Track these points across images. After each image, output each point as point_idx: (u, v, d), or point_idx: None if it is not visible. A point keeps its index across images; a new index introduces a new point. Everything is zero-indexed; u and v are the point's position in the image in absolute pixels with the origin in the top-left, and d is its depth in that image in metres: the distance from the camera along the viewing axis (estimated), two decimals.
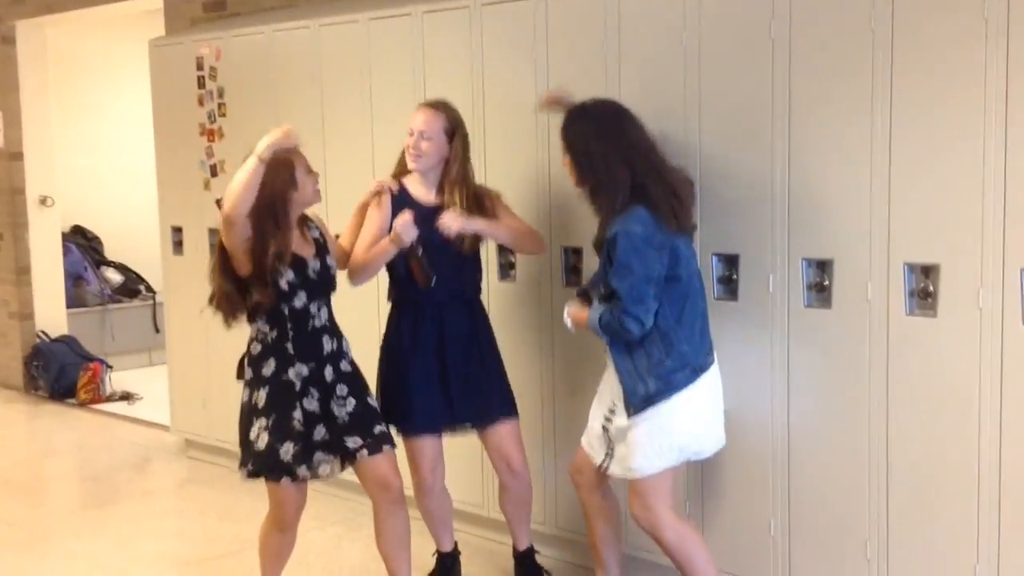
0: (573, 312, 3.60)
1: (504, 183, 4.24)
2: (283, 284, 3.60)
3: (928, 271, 3.33)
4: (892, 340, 3.42)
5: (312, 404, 3.66)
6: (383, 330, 4.05)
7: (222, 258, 3.61)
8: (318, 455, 3.65)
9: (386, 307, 4.08)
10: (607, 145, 3.40)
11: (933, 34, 3.25)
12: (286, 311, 3.64)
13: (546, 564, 4.24)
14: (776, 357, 3.68)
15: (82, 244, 8.80)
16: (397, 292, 3.99)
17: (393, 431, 3.88)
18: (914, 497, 3.44)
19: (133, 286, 8.90)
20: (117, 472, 6.12)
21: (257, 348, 3.68)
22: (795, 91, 3.55)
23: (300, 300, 3.65)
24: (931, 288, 3.33)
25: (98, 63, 9.02)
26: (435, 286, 3.84)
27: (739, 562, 3.82)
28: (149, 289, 8.82)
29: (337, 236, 3.99)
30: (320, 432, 3.67)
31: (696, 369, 3.43)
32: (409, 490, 3.87)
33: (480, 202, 3.92)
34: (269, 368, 3.66)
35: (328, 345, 3.73)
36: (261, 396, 3.65)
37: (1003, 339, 3.21)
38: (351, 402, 3.72)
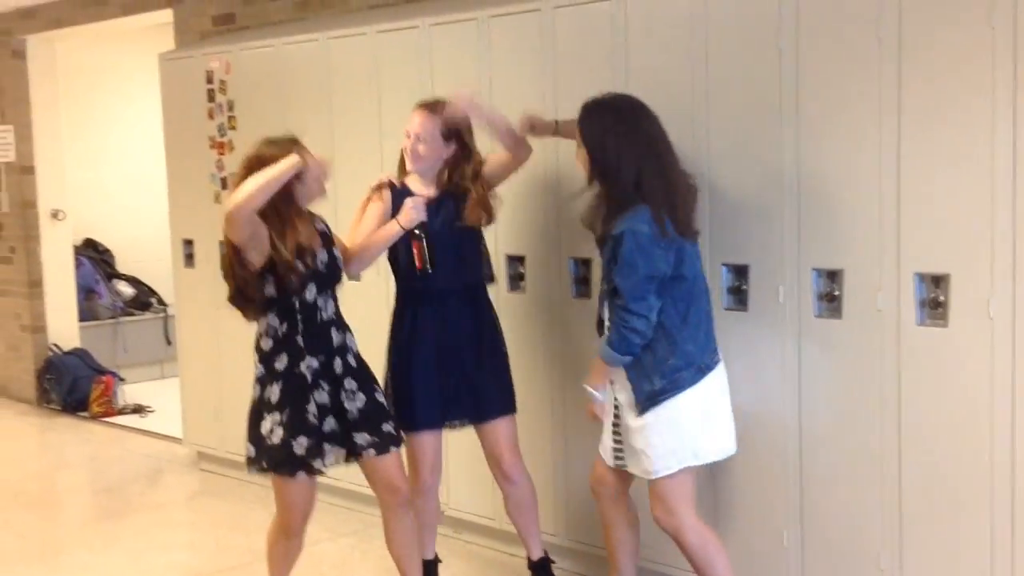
0: (590, 379, 3.56)
1: (513, 194, 4.24)
2: (295, 277, 3.62)
3: (939, 281, 3.32)
4: (903, 350, 3.42)
5: (323, 397, 3.69)
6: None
7: (232, 255, 3.62)
8: (325, 446, 3.68)
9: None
10: (622, 140, 3.41)
11: (940, 43, 3.25)
12: (297, 304, 3.67)
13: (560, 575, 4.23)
14: (787, 367, 3.68)
15: (94, 257, 8.83)
16: (400, 285, 4.02)
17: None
18: (927, 507, 3.43)
19: (145, 299, 8.92)
20: (129, 484, 6.14)
21: (268, 344, 3.69)
22: (803, 101, 3.55)
23: (311, 292, 3.68)
24: (942, 298, 3.32)
25: (108, 77, 9.06)
26: (437, 277, 3.89)
27: (753, 572, 3.80)
28: (161, 302, 8.84)
29: None
30: (330, 423, 3.69)
31: (701, 368, 3.43)
32: None
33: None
34: (282, 363, 3.67)
35: (336, 338, 3.75)
36: (274, 391, 3.66)
37: (1015, 348, 3.20)
38: (360, 397, 3.75)
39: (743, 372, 3.72)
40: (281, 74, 5.34)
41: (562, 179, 4.10)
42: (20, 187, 7.90)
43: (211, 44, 5.98)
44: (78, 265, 8.37)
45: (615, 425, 3.57)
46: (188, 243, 6.04)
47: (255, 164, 3.58)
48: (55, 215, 7.96)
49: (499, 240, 4.41)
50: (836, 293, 3.54)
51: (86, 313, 8.41)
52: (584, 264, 4.16)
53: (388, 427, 3.77)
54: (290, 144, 3.64)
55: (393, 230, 3.85)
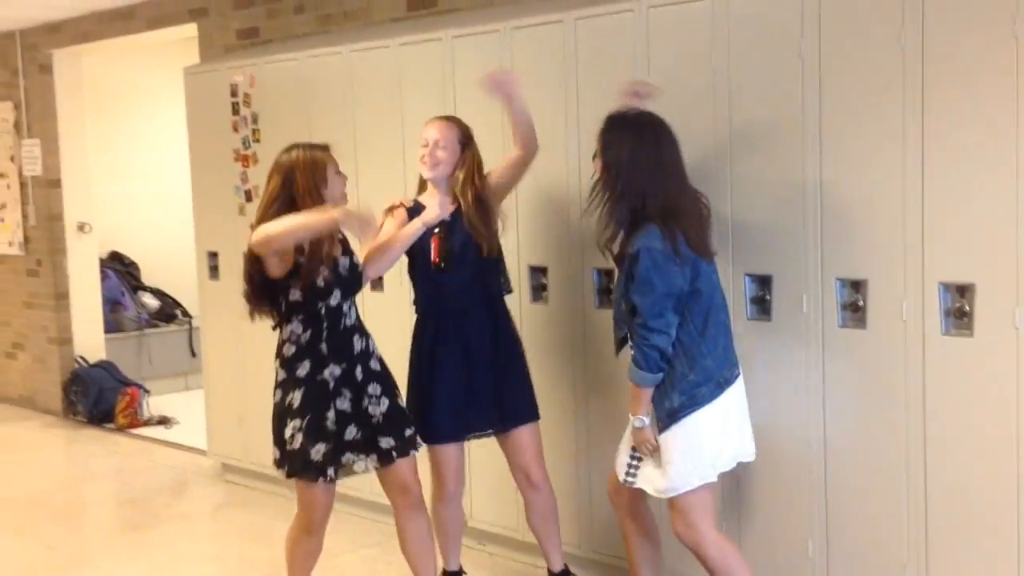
0: (631, 408, 3.53)
1: (534, 204, 4.25)
2: (320, 282, 3.66)
3: (963, 290, 3.31)
4: (928, 360, 3.40)
5: (344, 404, 3.73)
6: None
7: (253, 262, 3.69)
8: (348, 455, 3.72)
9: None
10: (637, 158, 3.42)
11: (963, 52, 3.24)
12: (322, 310, 3.70)
13: None
14: (811, 377, 3.66)
15: (119, 270, 8.89)
16: (421, 298, 4.04)
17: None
18: (954, 518, 3.41)
19: (169, 311, 8.97)
20: (155, 496, 6.17)
21: (291, 350, 3.73)
22: (825, 110, 3.54)
23: (335, 298, 3.72)
24: (967, 308, 3.31)
25: (134, 90, 9.13)
26: (457, 291, 3.92)
27: None
28: (185, 314, 8.89)
29: None
30: (351, 432, 3.73)
31: (720, 383, 3.43)
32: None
33: (485, 203, 3.96)
34: (304, 369, 3.71)
35: (358, 344, 3.79)
36: (296, 397, 3.70)
37: None
38: (384, 402, 3.79)
39: (767, 382, 3.71)
40: (305, 87, 5.37)
41: (584, 189, 4.09)
42: (47, 200, 7.97)
43: (235, 58, 6.02)
44: (104, 277, 8.42)
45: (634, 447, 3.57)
46: (213, 255, 6.07)
47: (295, 169, 3.68)
48: (81, 228, 8.02)
49: (521, 250, 4.42)
50: (860, 303, 3.53)
51: (112, 325, 8.47)
52: (607, 275, 4.16)
53: (410, 431, 3.83)
54: (322, 151, 3.74)
55: (414, 228, 3.88)
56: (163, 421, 7.60)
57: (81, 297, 8.06)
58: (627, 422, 3.61)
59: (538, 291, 4.44)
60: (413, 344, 4.05)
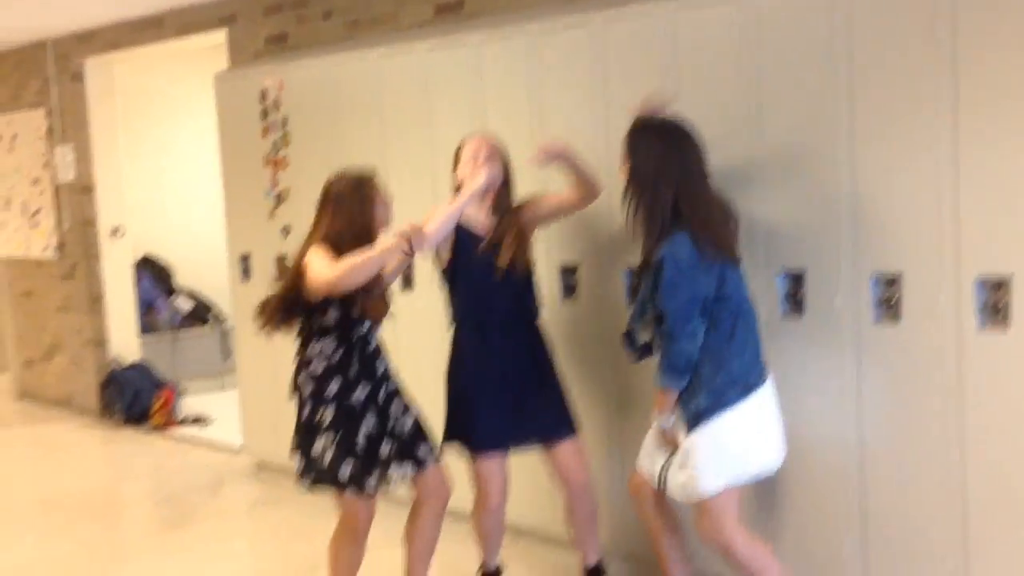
0: (655, 409, 3.59)
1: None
2: (355, 312, 3.75)
3: (1000, 285, 3.31)
4: (964, 355, 3.40)
5: (370, 424, 3.81)
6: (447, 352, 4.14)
7: (295, 279, 3.76)
8: (389, 470, 3.82)
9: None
10: (663, 166, 3.46)
11: (998, 40, 3.24)
12: (355, 336, 3.78)
13: None
14: (846, 374, 3.68)
15: (152, 273, 8.99)
16: (461, 307, 4.07)
17: (452, 449, 4.05)
18: (993, 513, 3.41)
19: (203, 313, 9.07)
20: (191, 494, 6.27)
21: (320, 368, 3.81)
22: (858, 104, 3.55)
23: (366, 324, 3.81)
24: (1003, 302, 3.30)
25: (164, 97, 9.23)
26: (501, 304, 3.97)
27: None
28: (218, 316, 9.00)
29: None
30: (385, 448, 3.82)
31: (748, 386, 3.46)
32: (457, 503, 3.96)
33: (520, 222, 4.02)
34: (333, 388, 3.80)
35: (380, 367, 3.89)
36: (327, 414, 3.79)
37: None
38: (408, 418, 3.91)
39: (800, 379, 3.73)
40: (333, 92, 5.44)
41: (614, 192, 4.12)
42: (80, 206, 8.08)
43: (264, 63, 6.11)
44: (138, 280, 8.53)
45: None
46: (244, 258, 6.16)
47: (350, 195, 3.78)
48: (115, 232, 8.11)
49: (552, 250, 4.47)
50: (894, 299, 3.53)
51: (146, 327, 8.58)
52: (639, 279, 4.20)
53: (435, 441, 3.97)
54: (369, 179, 3.83)
55: (463, 199, 3.84)
56: (198, 420, 7.70)
57: (115, 300, 8.15)
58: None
59: (569, 290, 4.49)
60: (453, 354, 4.09)
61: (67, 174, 8.12)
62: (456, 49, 4.82)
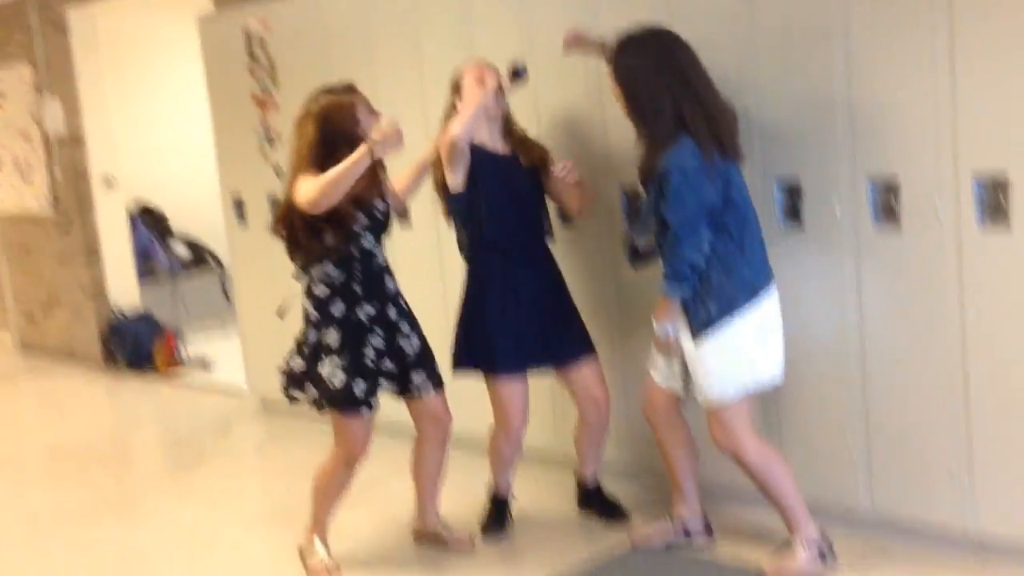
0: (656, 315, 3.59)
1: (558, 130, 4.30)
2: (356, 227, 3.76)
3: (998, 185, 3.31)
4: (965, 256, 3.41)
5: (378, 341, 3.84)
6: (444, 275, 4.14)
7: (292, 212, 3.76)
8: (382, 381, 3.86)
9: (448, 255, 4.15)
10: (655, 76, 3.45)
11: None
12: (357, 253, 3.80)
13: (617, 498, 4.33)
14: (847, 280, 3.70)
15: (148, 221, 8.98)
16: (476, 243, 4.04)
17: (462, 374, 4.08)
18: (995, 415, 3.45)
19: (201, 258, 9.08)
20: (199, 436, 6.33)
21: (325, 291, 3.82)
22: (852, 5, 3.53)
23: (368, 241, 3.82)
24: (1002, 202, 3.31)
25: (150, 43, 9.17)
26: (515, 232, 3.99)
27: (820, 488, 3.86)
28: (216, 260, 9.00)
29: None
30: (388, 365, 3.86)
31: (755, 289, 3.48)
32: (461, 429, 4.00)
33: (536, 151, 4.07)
34: (338, 309, 3.81)
35: (390, 285, 3.90)
36: (332, 336, 3.81)
37: None
38: (415, 338, 3.93)
39: (802, 288, 3.76)
40: (321, 28, 5.40)
41: (608, 113, 4.13)
42: (72, 158, 8.05)
43: (249, 3, 6.05)
44: (133, 229, 8.52)
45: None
46: (239, 202, 6.17)
47: (326, 115, 3.73)
48: (108, 183, 8.09)
49: None
50: (893, 203, 3.53)
51: (145, 276, 8.58)
52: (636, 196, 4.21)
53: (437, 367, 3.99)
54: (349, 92, 3.78)
55: (477, 99, 3.88)
56: (202, 362, 7.74)
57: (112, 250, 8.16)
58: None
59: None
60: (470, 287, 4.07)
61: (57, 127, 8.08)
62: None
